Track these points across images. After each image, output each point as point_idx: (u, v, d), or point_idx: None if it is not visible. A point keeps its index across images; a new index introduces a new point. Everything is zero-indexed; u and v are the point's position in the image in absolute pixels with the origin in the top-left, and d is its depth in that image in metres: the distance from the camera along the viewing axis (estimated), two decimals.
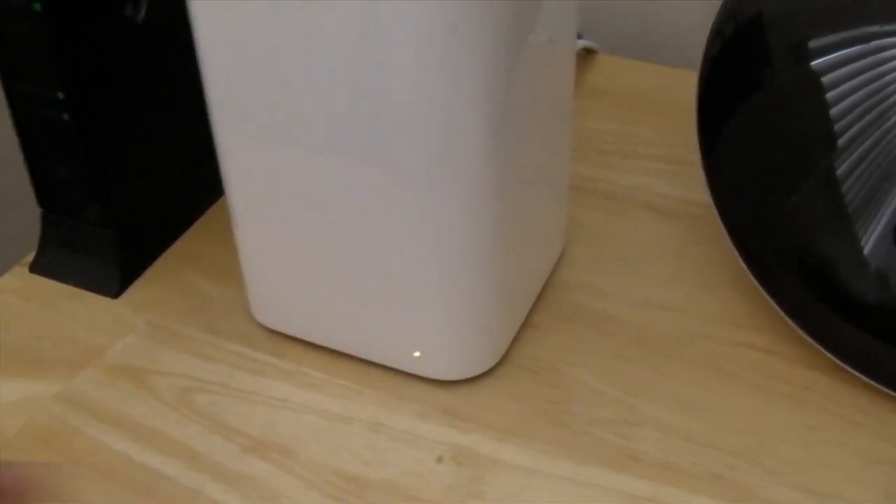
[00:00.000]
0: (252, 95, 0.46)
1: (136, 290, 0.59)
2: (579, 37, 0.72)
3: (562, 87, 0.52)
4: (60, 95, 0.53)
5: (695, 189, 0.64)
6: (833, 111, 0.55)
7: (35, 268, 0.60)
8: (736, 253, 0.54)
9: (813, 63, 0.57)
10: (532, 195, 0.51)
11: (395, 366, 0.52)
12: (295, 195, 0.48)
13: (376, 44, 0.41)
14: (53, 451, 0.50)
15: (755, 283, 0.54)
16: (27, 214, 0.60)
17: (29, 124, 0.55)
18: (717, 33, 0.56)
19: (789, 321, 0.53)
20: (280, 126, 0.46)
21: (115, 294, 0.58)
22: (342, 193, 0.47)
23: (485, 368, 0.52)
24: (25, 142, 0.56)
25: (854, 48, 0.55)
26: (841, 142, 0.54)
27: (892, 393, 0.51)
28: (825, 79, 0.58)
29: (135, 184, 0.58)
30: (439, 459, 0.49)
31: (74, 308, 0.58)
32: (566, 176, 0.57)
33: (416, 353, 0.51)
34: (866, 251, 0.51)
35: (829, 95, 0.56)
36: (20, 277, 0.60)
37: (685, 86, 0.74)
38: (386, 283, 0.49)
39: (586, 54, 0.78)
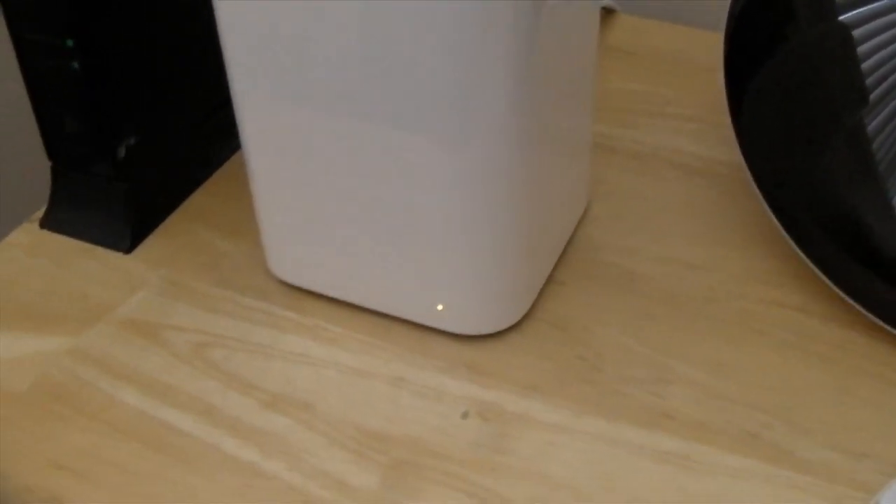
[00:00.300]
0: (272, 51, 0.44)
1: (149, 246, 0.57)
2: None
3: (585, 42, 0.50)
4: (69, 42, 0.51)
5: (721, 148, 0.63)
6: (864, 66, 0.54)
7: (45, 223, 0.58)
8: (768, 210, 0.53)
9: (841, 17, 0.55)
10: (556, 149, 0.49)
11: (416, 320, 0.51)
12: (314, 150, 0.47)
13: (402, 14, 0.40)
14: (66, 406, 0.48)
15: (787, 239, 0.52)
16: (37, 168, 0.58)
17: (37, 74, 0.53)
18: None
19: (822, 277, 0.52)
20: (300, 83, 0.45)
21: (127, 249, 0.56)
22: (363, 148, 0.45)
23: (509, 323, 0.50)
24: (34, 92, 0.54)
25: (883, 1, 0.54)
26: (872, 97, 0.52)
27: None
28: (855, 33, 0.56)
29: (147, 137, 0.57)
30: (464, 415, 0.47)
31: (86, 264, 0.56)
32: (589, 132, 0.55)
33: (439, 307, 0.49)
34: None
35: (860, 50, 0.54)
36: (30, 233, 0.58)
37: (708, 47, 0.73)
38: (408, 236, 0.47)
39: (605, 14, 0.76)
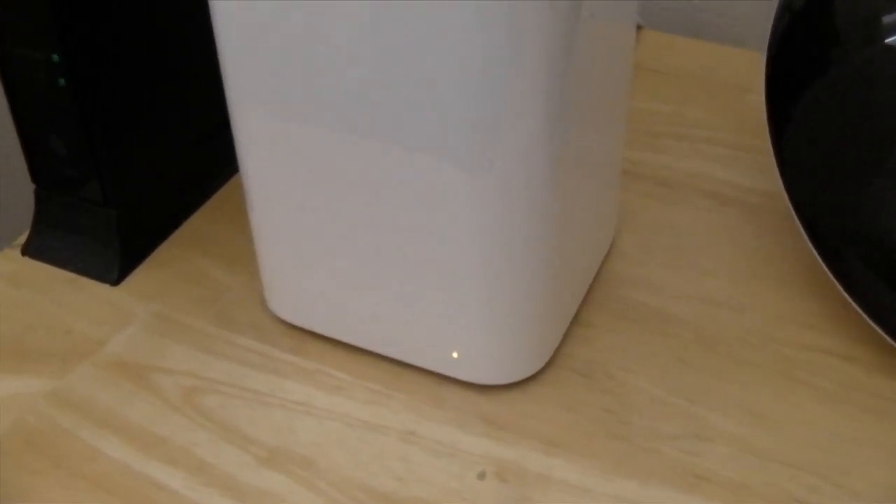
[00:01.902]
0: (274, 69, 0.40)
1: (139, 277, 0.53)
2: None
3: (620, 59, 0.46)
4: (56, 58, 0.48)
5: (755, 175, 0.59)
6: None
7: (27, 250, 0.54)
8: (809, 244, 0.49)
9: (888, 40, 0.52)
10: (586, 175, 0.45)
11: (429, 367, 0.47)
12: (319, 175, 0.42)
13: (423, 14, 0.36)
14: (43, 458, 0.44)
15: (831, 279, 0.48)
16: (19, 192, 0.54)
17: (21, 91, 0.50)
18: (784, 9, 0.51)
19: (870, 322, 0.48)
20: (303, 101, 0.41)
21: (115, 281, 0.52)
22: (374, 177, 0.41)
23: (531, 372, 0.46)
24: (18, 110, 0.51)
25: None
26: None
27: None
28: None
29: (138, 160, 0.53)
30: (481, 476, 0.43)
31: (70, 296, 0.52)
32: (620, 157, 0.51)
33: (454, 355, 0.45)
34: None
35: None
36: (11, 261, 0.54)
37: (737, 65, 0.69)
38: (421, 274, 0.43)
39: None
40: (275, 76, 0.40)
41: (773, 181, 0.58)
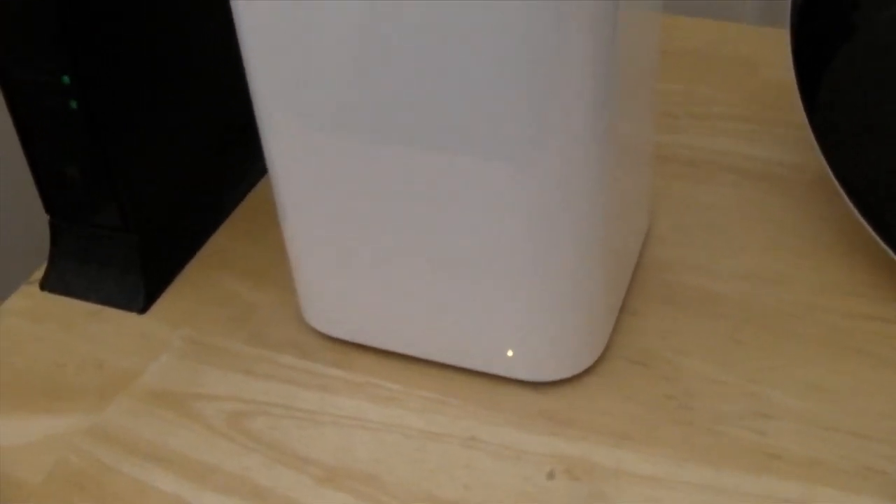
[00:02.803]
0: (306, 74, 0.39)
1: (167, 302, 0.51)
2: None
3: (652, 43, 0.45)
4: (66, 80, 0.46)
5: (777, 148, 0.58)
6: None
7: (46, 284, 0.52)
8: (855, 212, 0.48)
9: None
10: (628, 163, 0.44)
11: (482, 369, 0.45)
12: (356, 179, 0.41)
13: (466, 10, 0.34)
14: (90, 497, 0.42)
15: (880, 244, 0.47)
16: (33, 223, 0.52)
17: (30, 116, 0.48)
18: None
19: None
20: (340, 109, 0.39)
21: (143, 308, 0.50)
22: (415, 181, 0.40)
23: (586, 365, 0.45)
24: (27, 137, 0.49)
25: None
26: None
27: None
28: None
29: (156, 180, 0.51)
30: (550, 475, 0.41)
31: (97, 328, 0.50)
32: (653, 141, 0.50)
33: (509, 353, 0.43)
34: None
35: None
36: (30, 297, 0.52)
37: (741, 40, 0.68)
38: (469, 275, 0.42)
39: None
40: (307, 82, 0.39)
41: (796, 153, 0.57)
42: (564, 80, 0.36)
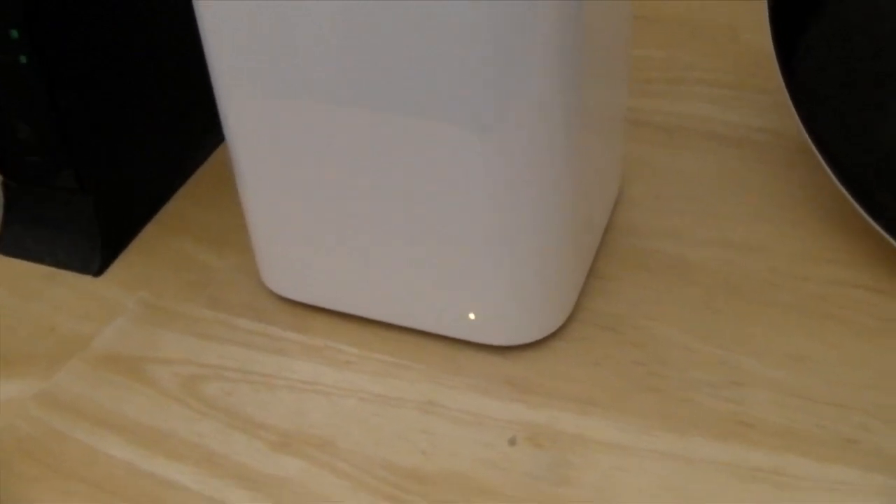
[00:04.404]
0: (263, 32, 0.37)
1: (123, 266, 0.50)
2: None
3: (622, 14, 0.43)
4: (14, 34, 0.44)
5: (755, 114, 0.57)
6: None
7: (1, 247, 0.50)
8: (834, 180, 0.46)
9: None
10: (596, 125, 0.42)
11: (444, 333, 0.44)
12: (314, 142, 0.40)
13: None
14: (39, 462, 0.41)
15: (855, 210, 0.46)
16: None
17: None
18: None
19: None
20: (296, 75, 0.38)
21: (98, 272, 0.49)
22: (376, 146, 0.39)
23: (553, 328, 0.44)
24: None
25: None
26: None
27: None
28: None
29: (112, 141, 0.49)
30: (512, 442, 0.40)
31: (51, 291, 0.48)
32: (624, 104, 0.48)
33: (471, 316, 0.42)
34: None
35: None
36: None
37: (723, 6, 0.67)
38: (430, 237, 0.40)
39: None
40: (264, 48, 0.38)
41: (775, 119, 0.56)
42: (527, 47, 0.35)
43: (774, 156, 0.54)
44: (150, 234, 0.51)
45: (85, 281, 0.49)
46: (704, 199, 0.52)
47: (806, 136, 0.47)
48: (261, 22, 0.37)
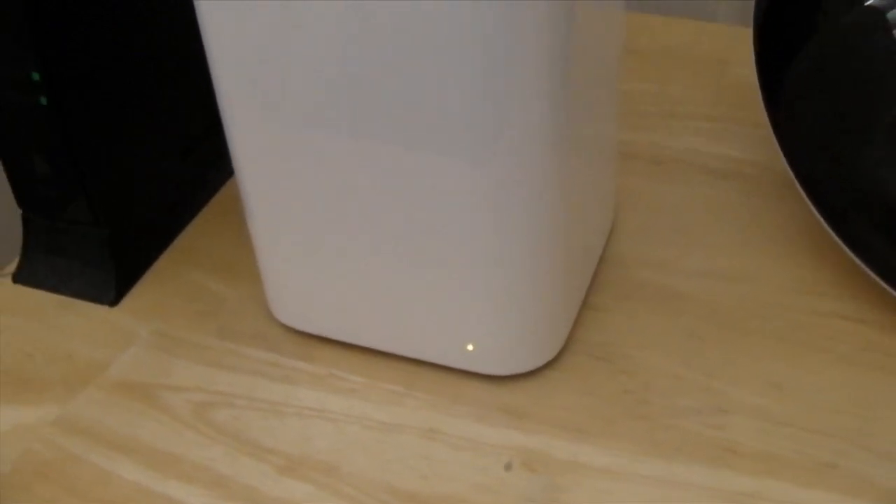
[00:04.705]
0: (268, 69, 0.39)
1: (137, 296, 0.52)
2: None
3: (613, 41, 0.45)
4: (36, 76, 0.46)
5: (746, 147, 0.58)
6: None
7: (19, 278, 0.53)
8: (814, 212, 0.48)
9: (870, 0, 0.52)
10: (587, 159, 0.44)
11: (443, 363, 0.46)
12: (319, 177, 0.42)
13: (418, 8, 0.35)
14: (55, 486, 0.43)
15: (837, 243, 0.48)
16: (6, 218, 0.53)
17: (1, 112, 0.48)
18: None
19: (880, 283, 0.47)
20: (299, 102, 0.40)
21: (113, 301, 0.51)
22: (375, 177, 0.40)
23: (546, 359, 0.46)
24: None
25: None
26: None
27: None
28: (890, 15, 0.53)
29: (126, 176, 0.51)
30: (508, 467, 0.42)
31: (67, 320, 0.51)
32: (615, 138, 0.50)
33: (469, 347, 0.44)
34: None
35: None
36: (2, 289, 0.53)
37: (713, 40, 0.69)
38: (430, 270, 0.42)
39: None
40: (267, 80, 0.40)
41: (765, 152, 0.58)
42: (519, 79, 0.37)
43: (762, 189, 0.56)
44: (162, 265, 0.54)
45: (100, 310, 0.51)
46: (694, 230, 0.54)
47: (789, 169, 0.49)
48: (267, 59, 0.39)
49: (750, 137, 0.60)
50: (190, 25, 0.40)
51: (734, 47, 0.68)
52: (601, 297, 0.49)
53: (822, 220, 0.48)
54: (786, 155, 0.50)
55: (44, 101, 0.47)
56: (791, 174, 0.49)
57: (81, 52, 0.47)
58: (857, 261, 0.47)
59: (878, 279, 0.47)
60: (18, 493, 0.42)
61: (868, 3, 0.54)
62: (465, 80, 0.37)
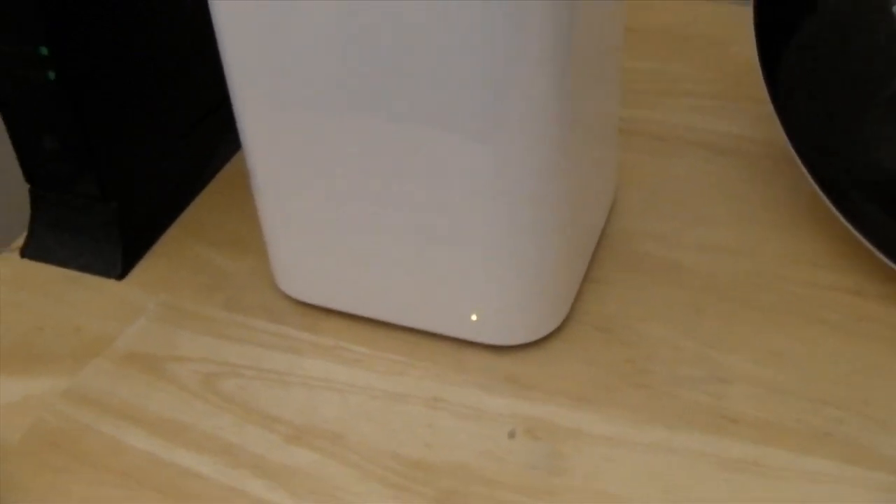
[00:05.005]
0: (277, 44, 0.40)
1: (143, 269, 0.52)
2: None
3: (615, 20, 0.46)
4: (44, 51, 0.46)
5: (744, 124, 0.59)
6: None
7: (27, 252, 0.53)
8: (814, 186, 0.49)
9: None
10: (591, 134, 0.45)
11: (448, 333, 0.46)
12: (326, 151, 0.42)
13: None
14: (66, 455, 0.43)
15: (835, 216, 0.48)
16: (14, 192, 0.53)
17: (9, 87, 0.48)
18: None
19: (878, 255, 0.48)
20: (308, 77, 0.40)
21: (120, 275, 0.52)
22: (381, 151, 0.41)
23: (550, 329, 0.46)
24: (6, 108, 0.50)
25: None
26: None
27: None
28: None
29: (133, 150, 0.52)
30: (511, 434, 0.43)
31: (75, 294, 0.51)
32: (617, 115, 0.51)
33: (473, 317, 0.45)
34: None
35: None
36: (11, 264, 0.53)
37: (712, 18, 0.70)
38: (434, 241, 0.43)
39: None
40: (276, 55, 0.40)
41: (765, 128, 0.58)
42: (523, 57, 0.37)
43: (761, 164, 0.57)
44: (169, 238, 0.54)
45: (108, 284, 0.52)
46: (694, 205, 0.54)
47: (789, 144, 0.50)
48: (276, 36, 0.39)
49: (748, 114, 0.60)
50: (198, 3, 0.41)
51: (732, 25, 0.68)
52: (603, 270, 0.50)
53: (821, 193, 0.49)
54: (786, 130, 0.50)
55: (52, 75, 0.47)
56: (791, 149, 0.50)
57: (89, 27, 0.48)
58: (856, 233, 0.48)
59: (875, 251, 0.48)
60: (30, 460, 0.43)
61: None
62: (468, 61, 0.37)
